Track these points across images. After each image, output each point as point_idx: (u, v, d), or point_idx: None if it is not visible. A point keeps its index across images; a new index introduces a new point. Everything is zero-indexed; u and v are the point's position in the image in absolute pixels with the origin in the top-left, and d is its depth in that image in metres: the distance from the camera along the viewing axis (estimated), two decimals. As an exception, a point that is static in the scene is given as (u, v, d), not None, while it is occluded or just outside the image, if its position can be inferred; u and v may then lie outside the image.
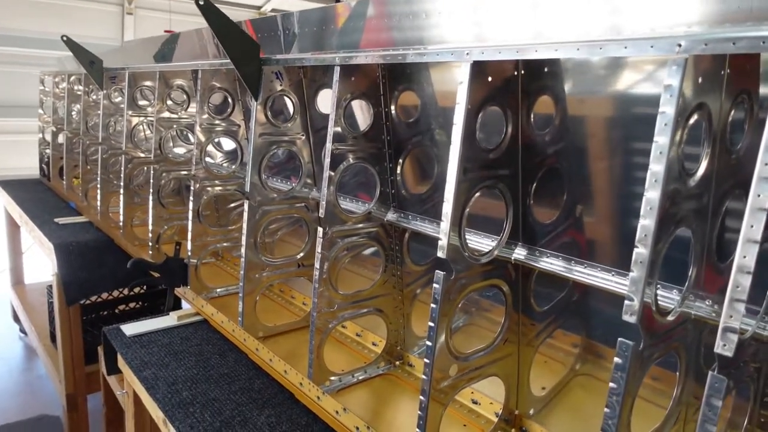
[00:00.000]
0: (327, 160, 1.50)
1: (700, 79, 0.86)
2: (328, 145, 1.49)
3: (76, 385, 3.23)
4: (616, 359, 0.88)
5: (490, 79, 1.15)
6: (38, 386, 4.01)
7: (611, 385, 0.89)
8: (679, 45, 0.82)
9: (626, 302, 0.87)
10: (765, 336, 0.93)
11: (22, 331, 4.66)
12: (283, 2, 8.26)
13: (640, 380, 0.93)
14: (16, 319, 4.72)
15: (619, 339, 0.88)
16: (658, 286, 1.02)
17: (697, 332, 1.06)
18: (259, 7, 8.49)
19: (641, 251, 0.85)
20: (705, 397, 0.79)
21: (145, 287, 3.54)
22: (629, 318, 0.87)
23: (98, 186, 3.23)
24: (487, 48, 1.09)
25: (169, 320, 2.15)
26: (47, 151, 4.61)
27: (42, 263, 3.94)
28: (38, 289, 4.38)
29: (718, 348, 0.77)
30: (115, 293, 3.47)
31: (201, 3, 1.53)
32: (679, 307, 0.99)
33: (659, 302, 0.93)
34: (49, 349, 3.66)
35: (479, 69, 1.11)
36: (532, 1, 1.10)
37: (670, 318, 0.96)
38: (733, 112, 0.95)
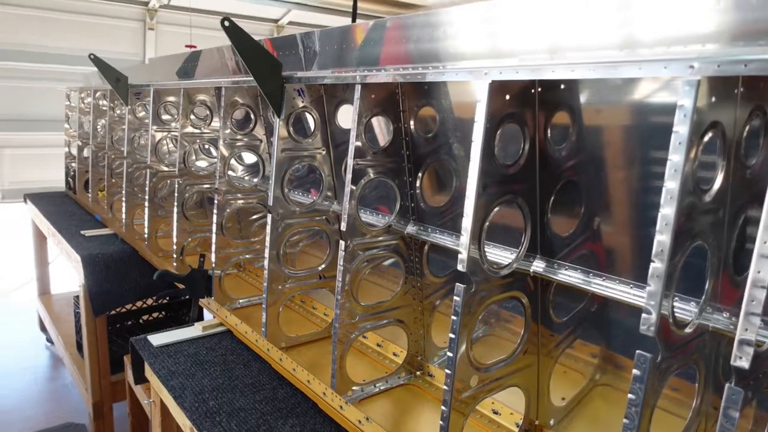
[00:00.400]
0: (348, 176, 1.54)
1: (713, 98, 0.88)
2: (350, 161, 1.54)
3: (102, 394, 3.30)
4: (635, 371, 0.90)
5: (507, 96, 1.18)
6: (64, 394, 4.10)
7: (630, 396, 0.91)
8: (692, 66, 0.84)
9: (643, 315, 0.90)
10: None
11: (49, 340, 4.76)
12: (299, 15, 8.36)
13: (659, 391, 0.95)
14: (43, 328, 4.83)
15: (637, 351, 0.90)
16: (676, 298, 1.04)
17: (715, 343, 1.07)
18: (276, 20, 8.61)
19: (658, 266, 0.88)
20: (722, 409, 0.81)
21: (169, 298, 3.60)
22: (647, 331, 0.89)
23: (123, 199, 3.31)
24: (505, 68, 1.12)
25: (195, 331, 2.20)
26: (73, 164, 4.73)
27: (68, 273, 4.05)
28: (64, 299, 4.49)
29: (735, 360, 0.79)
30: (139, 303, 3.55)
31: (226, 25, 1.58)
32: (697, 320, 1.01)
33: (677, 315, 0.95)
34: (75, 358, 3.74)
35: (497, 87, 1.15)
36: (545, 18, 1.13)
37: (687, 330, 0.98)
38: (747, 128, 0.98)
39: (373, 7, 7.66)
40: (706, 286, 1.01)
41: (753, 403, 0.92)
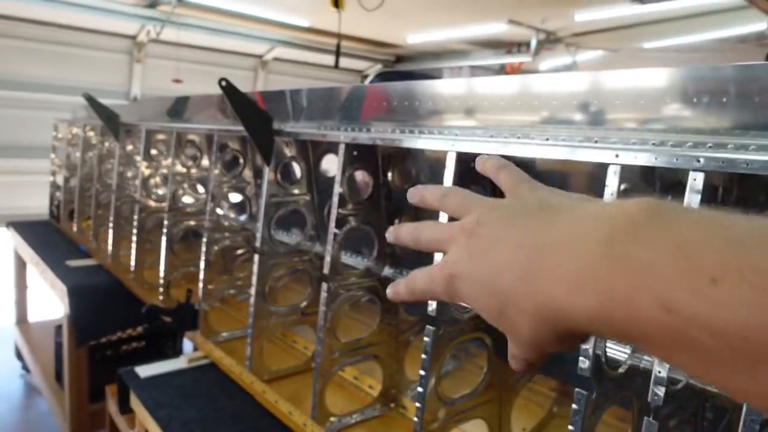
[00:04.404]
0: (332, 224, 1.70)
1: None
2: (333, 210, 1.70)
3: (81, 423, 3.34)
4: (574, 406, 1.07)
5: (472, 164, 1.36)
6: (40, 424, 4.11)
7: (570, 427, 1.07)
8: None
9: (580, 358, 1.06)
10: (698, 386, 1.12)
11: (25, 368, 4.75)
12: (284, 52, 8.61)
13: (596, 422, 1.11)
14: (19, 357, 4.82)
15: (576, 389, 1.07)
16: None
17: (647, 380, 1.24)
18: (261, 56, 8.85)
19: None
20: (642, 438, 0.98)
21: (154, 330, 3.68)
22: (583, 372, 1.06)
23: (110, 231, 3.41)
24: (472, 141, 1.30)
25: (181, 363, 2.31)
26: (58, 194, 4.81)
27: (46, 301, 4.08)
28: (43, 328, 4.51)
29: (651, 397, 0.96)
30: (119, 333, 3.61)
31: (223, 84, 1.75)
32: (629, 360, 1.18)
33: (610, 355, 1.12)
34: (54, 387, 3.77)
35: (461, 157, 1.33)
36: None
37: (620, 370, 1.15)
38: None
39: (353, 45, 7.95)
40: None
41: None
